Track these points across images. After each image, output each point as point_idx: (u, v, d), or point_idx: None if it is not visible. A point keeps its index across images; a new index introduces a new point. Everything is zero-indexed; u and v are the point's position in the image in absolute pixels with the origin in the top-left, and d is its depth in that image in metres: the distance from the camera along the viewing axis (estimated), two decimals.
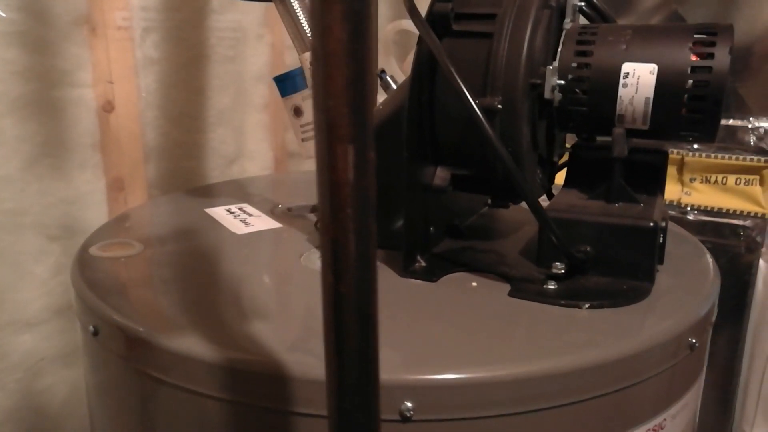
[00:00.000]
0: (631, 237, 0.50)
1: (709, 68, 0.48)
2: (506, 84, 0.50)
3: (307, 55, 0.53)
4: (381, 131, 0.58)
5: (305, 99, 0.61)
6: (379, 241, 0.54)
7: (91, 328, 0.48)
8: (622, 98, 0.51)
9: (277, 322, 0.47)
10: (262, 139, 1.16)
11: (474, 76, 0.51)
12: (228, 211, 0.72)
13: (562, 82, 0.51)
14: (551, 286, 0.50)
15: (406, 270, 0.54)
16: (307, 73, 0.54)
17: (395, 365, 0.40)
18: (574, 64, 0.52)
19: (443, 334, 0.45)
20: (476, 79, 0.51)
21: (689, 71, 0.49)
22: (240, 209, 0.72)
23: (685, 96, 0.49)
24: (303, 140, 0.63)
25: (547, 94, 0.51)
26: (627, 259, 0.51)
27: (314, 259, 0.58)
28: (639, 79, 0.50)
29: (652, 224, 0.50)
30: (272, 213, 0.71)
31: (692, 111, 0.50)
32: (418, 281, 0.53)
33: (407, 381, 0.39)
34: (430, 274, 0.53)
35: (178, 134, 1.02)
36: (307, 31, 0.53)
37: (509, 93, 0.50)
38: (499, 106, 0.50)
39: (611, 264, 0.51)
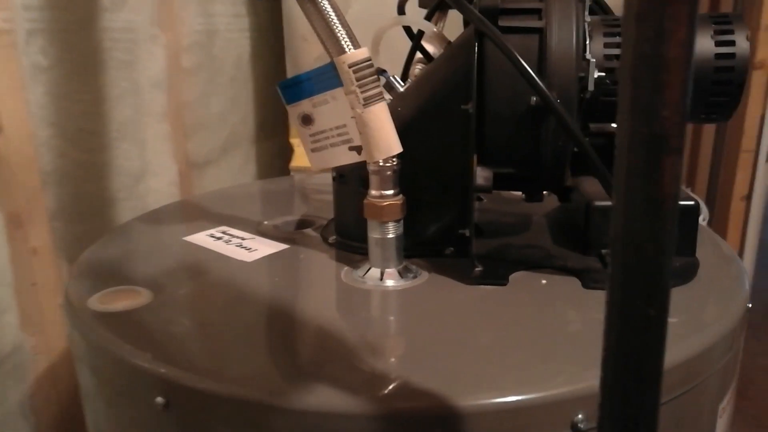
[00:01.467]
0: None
1: (733, 54, 0.52)
2: (561, 78, 0.50)
3: (346, 57, 0.49)
4: (416, 133, 0.55)
5: (317, 105, 0.56)
6: (410, 249, 0.53)
7: (159, 400, 0.40)
8: None
9: (392, 356, 0.43)
10: (164, 151, 1.05)
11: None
12: (212, 236, 0.64)
13: (603, 74, 0.53)
14: None
15: (474, 276, 0.52)
16: (345, 78, 0.50)
17: (566, 377, 0.38)
18: (603, 56, 0.54)
19: (580, 337, 0.44)
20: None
21: (714, 58, 0.53)
22: (223, 233, 0.65)
23: (710, 81, 0.53)
24: (313, 150, 0.58)
25: (590, 87, 0.52)
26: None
27: (358, 278, 0.53)
28: None
29: (694, 203, 0.53)
30: (260, 233, 0.65)
31: (716, 95, 0.53)
32: (489, 287, 0.51)
33: (579, 391, 0.37)
34: (499, 277, 0.52)
35: (78, 154, 0.89)
36: (341, 32, 0.49)
37: (565, 87, 0.50)
38: (558, 100, 0.50)
39: None
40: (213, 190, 0.85)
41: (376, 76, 0.50)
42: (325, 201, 0.77)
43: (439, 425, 0.36)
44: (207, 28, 1.11)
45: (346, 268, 0.56)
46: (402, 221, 0.53)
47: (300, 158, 1.12)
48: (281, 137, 1.40)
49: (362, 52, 0.50)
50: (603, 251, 0.54)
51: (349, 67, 0.49)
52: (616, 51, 0.53)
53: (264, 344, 0.44)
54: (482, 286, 0.51)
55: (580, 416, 0.37)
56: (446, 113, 0.55)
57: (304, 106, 0.57)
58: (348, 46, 0.49)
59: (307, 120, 0.57)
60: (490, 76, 0.51)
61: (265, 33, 1.29)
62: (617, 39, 0.53)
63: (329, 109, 0.55)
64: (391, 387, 0.38)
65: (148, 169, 1.01)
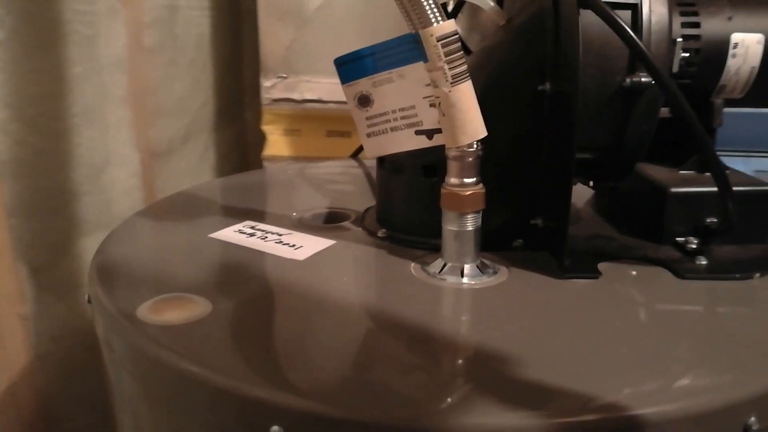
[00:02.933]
0: (753, 202, 0.52)
1: None
2: (658, 57, 0.47)
3: (434, 30, 0.43)
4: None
5: (378, 85, 0.50)
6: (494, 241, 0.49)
7: (276, 429, 0.34)
8: (729, 69, 0.52)
9: (528, 363, 0.38)
10: (126, 139, 0.95)
11: (614, 50, 0.47)
12: (241, 232, 0.57)
13: (687, 54, 0.50)
14: (702, 261, 0.50)
15: (566, 270, 0.48)
16: (432, 52, 0.44)
17: (732, 379, 0.35)
18: (681, 36, 0.51)
19: (716, 332, 0.41)
20: (619, 55, 0.47)
21: None
22: (252, 228, 0.58)
23: None
24: (369, 135, 0.52)
25: (675, 68, 0.50)
26: (748, 224, 0.52)
27: (434, 275, 0.49)
28: (748, 49, 0.51)
29: None
30: (294, 227, 0.58)
31: None
32: (581, 281, 0.48)
33: (751, 393, 0.35)
34: (590, 270, 0.49)
35: (37, 141, 0.79)
36: (428, 2, 0.43)
37: (656, 71, 0.47)
38: (652, 81, 0.47)
39: (729, 231, 0.52)
40: (204, 183, 0.77)
41: (463, 52, 0.45)
42: (340, 190, 0.71)
43: None
44: (169, 2, 1.01)
45: (413, 264, 0.51)
46: (481, 212, 0.48)
47: (273, 146, 1.05)
48: (239, 125, 1.32)
49: (450, 25, 0.45)
50: (678, 239, 0.52)
51: (438, 41, 0.44)
52: (696, 31, 0.51)
53: (368, 357, 0.38)
54: (574, 281, 0.48)
55: (753, 419, 0.34)
56: (518, 94, 0.51)
57: (363, 85, 0.51)
58: (436, 17, 0.44)
59: (364, 101, 0.51)
60: (570, 54, 0.48)
61: (225, 12, 1.20)
62: (698, 18, 0.51)
63: (393, 89, 0.50)
64: (551, 399, 0.33)
65: (110, 159, 0.91)
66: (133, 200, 0.92)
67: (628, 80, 0.46)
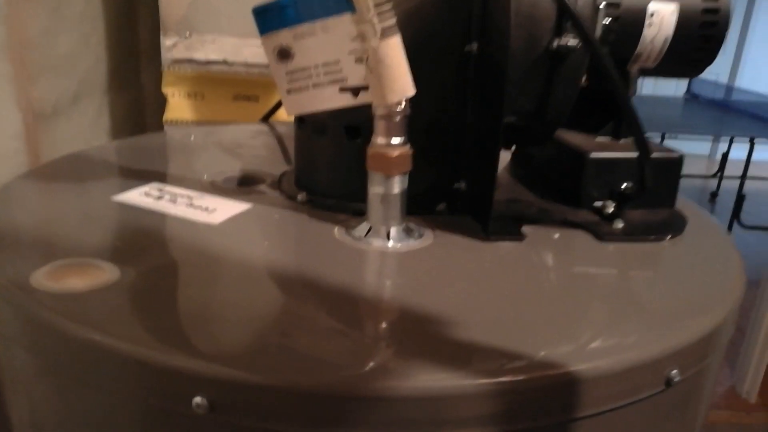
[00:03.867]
0: (664, 169, 0.54)
1: (717, 10, 0.53)
2: (586, 22, 0.47)
3: None
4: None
5: (299, 38, 0.47)
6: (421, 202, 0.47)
7: (199, 401, 0.31)
8: (645, 37, 0.53)
9: (467, 325, 0.37)
10: (5, 97, 0.86)
11: (542, 12, 0.47)
12: (148, 195, 0.52)
13: (608, 21, 0.51)
14: (620, 225, 0.51)
15: (492, 233, 0.48)
16: (361, 3, 0.41)
17: (658, 331, 0.36)
18: (602, 5, 0.52)
19: (639, 291, 0.42)
20: (546, 17, 0.47)
21: (701, 12, 0.53)
22: (160, 190, 0.53)
23: (695, 36, 0.54)
24: (289, 92, 0.49)
25: (597, 34, 0.50)
26: (659, 190, 0.54)
27: (359, 238, 0.47)
28: (662, 18, 0.53)
29: (679, 156, 0.54)
30: (205, 190, 0.55)
31: (697, 49, 0.55)
32: (505, 243, 0.48)
33: (673, 347, 0.36)
34: (513, 233, 0.49)
35: None
36: None
37: (585, 32, 0.47)
38: (579, 45, 0.47)
39: (641, 196, 0.54)
40: (99, 145, 0.70)
41: (392, 4, 0.43)
42: (253, 154, 0.68)
43: (548, 393, 0.32)
44: None
45: (336, 228, 0.49)
46: (407, 174, 0.47)
47: (175, 110, 0.99)
48: (136, 88, 1.23)
49: None
50: (596, 204, 0.53)
51: None
52: None
53: (293, 323, 0.36)
54: (498, 243, 0.47)
55: (674, 371, 0.35)
56: (443, 54, 0.50)
57: (283, 37, 0.48)
58: None
59: (284, 54, 0.48)
60: (499, 15, 0.47)
61: None
62: None
63: (316, 43, 0.47)
64: (476, 360, 0.33)
65: None
66: (15, 165, 0.84)
67: (555, 43, 0.46)
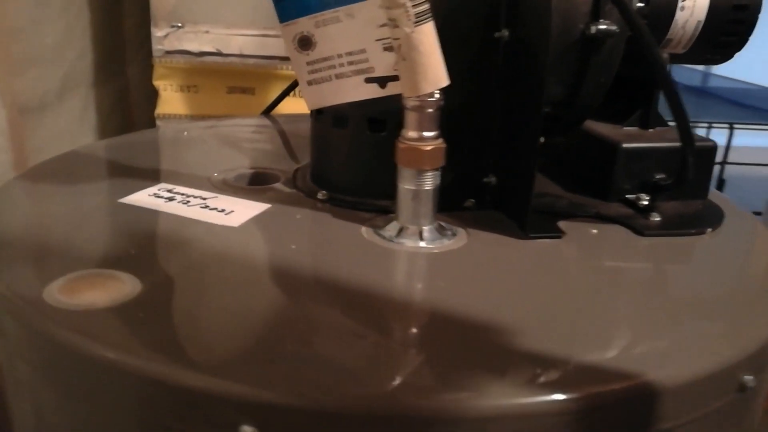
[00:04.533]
0: (699, 158, 0.52)
1: None
2: (620, 6, 0.45)
3: None
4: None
5: (321, 25, 0.44)
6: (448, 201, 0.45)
7: (247, 430, 0.28)
8: (677, 22, 0.51)
9: (535, 334, 0.34)
10: None
11: None
12: (157, 196, 0.49)
13: (641, 5, 0.49)
14: (656, 218, 0.49)
15: (529, 230, 0.45)
16: None
17: (730, 334, 0.34)
18: None
19: (699, 291, 0.40)
20: (583, 1, 0.44)
21: None
22: (170, 191, 0.50)
23: (726, 20, 0.52)
24: (310, 83, 0.46)
25: None
26: (690, 180, 0.52)
27: (391, 239, 0.44)
28: (695, 2, 0.50)
29: (714, 144, 0.52)
30: (218, 190, 0.52)
31: (728, 35, 0.53)
32: (544, 241, 0.45)
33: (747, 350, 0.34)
34: (551, 230, 0.46)
35: None
36: None
37: (631, 15, 0.45)
38: (618, 30, 0.45)
39: (674, 187, 0.52)
40: (94, 143, 0.66)
41: None
42: (259, 149, 0.64)
43: (619, 406, 0.30)
44: None
45: (363, 228, 0.46)
46: (440, 170, 0.44)
47: (167, 103, 0.95)
48: (122, 81, 1.18)
49: None
50: (628, 196, 0.51)
51: None
52: None
53: (343, 339, 0.33)
54: (536, 241, 0.45)
55: (748, 377, 0.33)
56: (469, 41, 0.47)
57: (304, 25, 0.45)
58: None
59: (305, 43, 0.45)
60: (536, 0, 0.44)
61: None
62: None
63: (339, 30, 0.44)
64: (561, 370, 0.30)
65: None
66: None
67: (593, 28, 0.44)
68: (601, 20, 0.44)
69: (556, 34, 0.44)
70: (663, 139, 0.52)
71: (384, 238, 0.44)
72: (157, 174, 0.54)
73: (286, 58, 0.93)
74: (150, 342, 0.31)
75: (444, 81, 0.42)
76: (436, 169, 0.44)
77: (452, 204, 0.50)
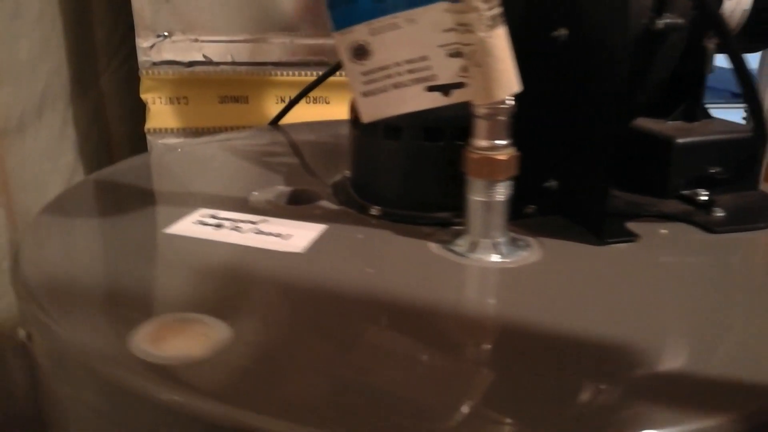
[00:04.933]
0: (748, 149, 0.51)
1: None
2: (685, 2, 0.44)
3: None
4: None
5: (377, 33, 0.41)
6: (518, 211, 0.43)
7: None
8: (724, 10, 0.50)
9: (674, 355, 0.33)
10: None
11: None
12: (202, 223, 0.46)
13: None
14: (720, 213, 0.48)
15: (608, 236, 0.44)
16: None
17: None
18: None
19: None
20: None
21: None
22: (213, 217, 0.47)
23: None
24: (365, 95, 0.43)
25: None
26: (744, 171, 0.52)
27: (467, 255, 0.42)
28: None
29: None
30: (264, 212, 0.48)
31: None
32: (620, 245, 0.44)
33: None
34: (627, 233, 0.45)
35: None
36: None
37: (687, 12, 0.44)
38: (683, 23, 0.43)
39: (730, 180, 0.51)
40: (110, 169, 0.61)
41: None
42: (284, 163, 0.61)
43: None
44: None
45: (430, 244, 0.43)
46: (512, 180, 0.42)
47: (157, 117, 0.90)
48: (96, 94, 1.13)
49: None
50: (684, 192, 0.50)
51: None
52: None
53: (465, 378, 0.31)
54: (613, 246, 0.44)
55: None
56: (525, 42, 0.45)
57: (359, 32, 0.42)
58: None
59: (360, 52, 0.42)
60: None
61: None
62: None
63: (398, 37, 0.42)
64: (733, 389, 0.29)
65: None
66: None
67: (660, 22, 0.42)
68: (666, 13, 0.43)
69: (617, 29, 0.42)
70: (714, 132, 0.51)
71: (457, 253, 0.42)
72: (189, 198, 0.50)
73: (279, 64, 0.90)
74: (261, 396, 0.28)
75: (516, 86, 0.40)
76: (509, 179, 0.42)
77: (513, 212, 0.47)
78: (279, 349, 0.32)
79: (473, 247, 0.42)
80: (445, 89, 0.42)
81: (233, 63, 0.89)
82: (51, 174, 0.96)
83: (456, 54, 0.40)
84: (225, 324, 0.33)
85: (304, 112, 0.81)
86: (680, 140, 0.49)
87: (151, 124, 0.90)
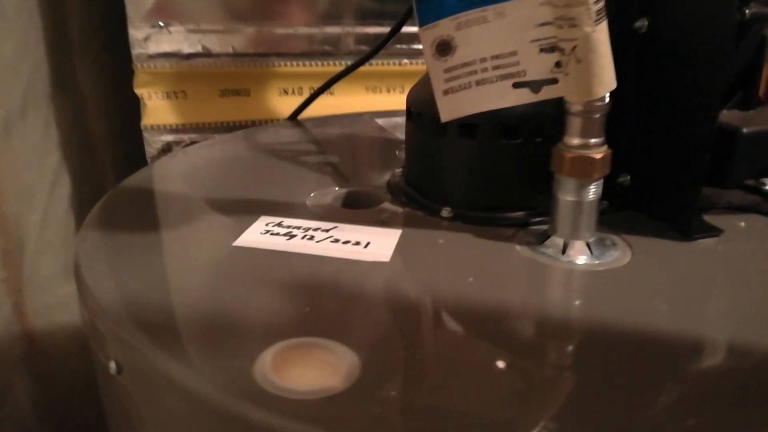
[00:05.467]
0: None
1: None
2: None
3: None
4: None
5: (463, 27, 0.39)
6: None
7: None
8: None
9: None
10: None
11: None
12: (271, 233, 0.43)
13: None
14: None
15: (695, 231, 0.43)
16: None
17: None
18: None
19: None
20: None
21: None
22: (280, 225, 0.44)
23: None
24: (446, 92, 0.41)
25: None
26: None
27: (554, 254, 0.40)
28: None
29: None
30: (322, 215, 0.46)
31: None
32: (708, 240, 0.43)
33: None
34: (710, 227, 0.44)
35: None
36: None
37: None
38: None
39: None
40: (137, 175, 0.57)
41: None
42: (323, 162, 0.58)
43: None
44: None
45: (518, 247, 0.42)
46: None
47: (154, 113, 0.85)
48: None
49: None
50: (747, 182, 0.50)
51: None
52: None
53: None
54: (700, 242, 0.43)
55: None
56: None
57: (444, 27, 0.39)
58: None
59: (444, 48, 0.40)
60: None
61: None
62: None
63: (485, 32, 0.39)
64: None
65: None
66: None
67: (747, 11, 0.41)
68: (752, 3, 0.42)
69: (699, 21, 0.41)
70: None
71: (549, 257, 0.40)
72: (240, 205, 0.47)
73: (283, 54, 0.86)
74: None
75: (614, 83, 0.38)
76: (602, 178, 0.40)
77: None
78: (413, 376, 0.29)
79: (564, 249, 0.41)
80: (534, 86, 0.40)
81: (234, 54, 0.85)
82: (38, 177, 0.90)
83: (550, 49, 0.38)
84: (347, 348, 0.30)
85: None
86: (746, 130, 0.49)
87: (147, 120, 0.85)
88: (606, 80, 0.38)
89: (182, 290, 0.35)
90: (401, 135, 0.67)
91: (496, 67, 0.40)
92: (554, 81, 0.39)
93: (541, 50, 0.39)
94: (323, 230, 0.43)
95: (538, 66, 0.39)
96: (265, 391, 0.27)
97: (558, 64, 0.38)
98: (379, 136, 0.66)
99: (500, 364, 0.29)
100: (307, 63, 0.85)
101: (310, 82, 0.86)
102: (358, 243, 0.41)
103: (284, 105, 0.85)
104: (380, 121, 0.72)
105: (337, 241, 0.41)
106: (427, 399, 0.28)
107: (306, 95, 0.84)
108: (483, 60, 0.40)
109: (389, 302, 0.35)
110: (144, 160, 0.86)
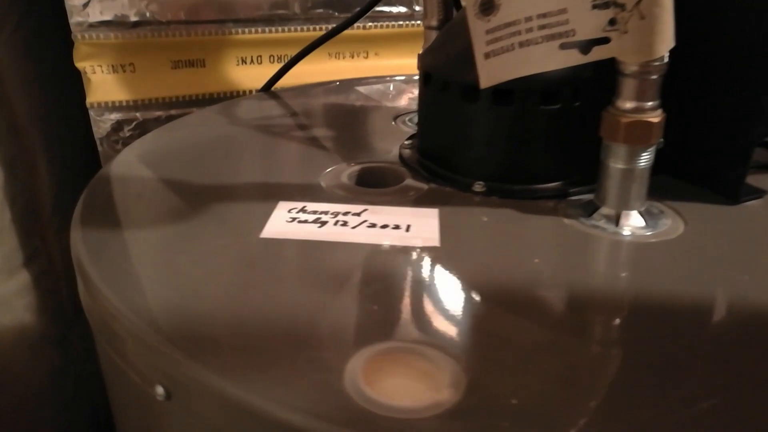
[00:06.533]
0: None
1: None
2: None
3: None
4: None
5: None
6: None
7: None
8: None
9: None
10: None
11: None
12: (299, 221, 0.38)
13: None
14: None
15: (743, 193, 0.41)
16: None
17: None
18: None
19: None
20: None
21: None
22: (304, 211, 0.39)
23: None
24: (487, 56, 0.37)
25: None
26: None
27: (609, 227, 0.38)
28: None
29: None
30: (344, 197, 0.42)
31: None
32: (755, 202, 0.42)
33: None
34: (754, 189, 0.43)
35: None
36: None
37: None
38: None
39: None
40: (122, 156, 0.50)
41: None
42: (317, 136, 0.54)
43: None
44: None
45: (566, 221, 0.39)
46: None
47: (99, 90, 0.77)
48: None
49: None
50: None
51: None
52: None
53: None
54: (747, 205, 0.41)
55: None
56: None
57: None
58: None
59: (488, 6, 0.36)
60: None
61: None
62: None
63: None
64: None
65: None
66: None
67: None
68: None
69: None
70: None
71: (603, 229, 0.38)
72: (249, 190, 0.42)
73: (240, 20, 0.79)
74: None
75: (673, 41, 0.35)
76: (656, 143, 0.38)
77: None
78: (525, 378, 0.26)
79: (616, 219, 0.38)
80: (583, 46, 0.37)
81: (186, 22, 0.77)
82: None
83: (604, 5, 0.35)
84: (440, 352, 0.26)
85: (269, 73, 0.72)
86: None
87: (92, 98, 0.77)
88: (668, 38, 0.35)
89: (225, 296, 0.30)
90: (389, 103, 0.62)
91: (542, 27, 0.36)
92: (606, 40, 0.36)
93: (594, 6, 0.35)
94: (353, 214, 0.38)
95: (590, 24, 0.36)
96: (367, 411, 0.23)
97: (612, 22, 0.35)
98: (367, 104, 0.62)
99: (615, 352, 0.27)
100: (267, 29, 0.79)
101: (270, 50, 0.79)
102: (397, 227, 0.37)
103: (243, 75, 0.79)
104: (361, 89, 0.67)
105: (374, 225, 0.37)
106: (548, 402, 0.24)
107: (266, 64, 0.78)
108: (528, 19, 0.36)
109: (464, 294, 0.31)
110: (89, 142, 0.78)
